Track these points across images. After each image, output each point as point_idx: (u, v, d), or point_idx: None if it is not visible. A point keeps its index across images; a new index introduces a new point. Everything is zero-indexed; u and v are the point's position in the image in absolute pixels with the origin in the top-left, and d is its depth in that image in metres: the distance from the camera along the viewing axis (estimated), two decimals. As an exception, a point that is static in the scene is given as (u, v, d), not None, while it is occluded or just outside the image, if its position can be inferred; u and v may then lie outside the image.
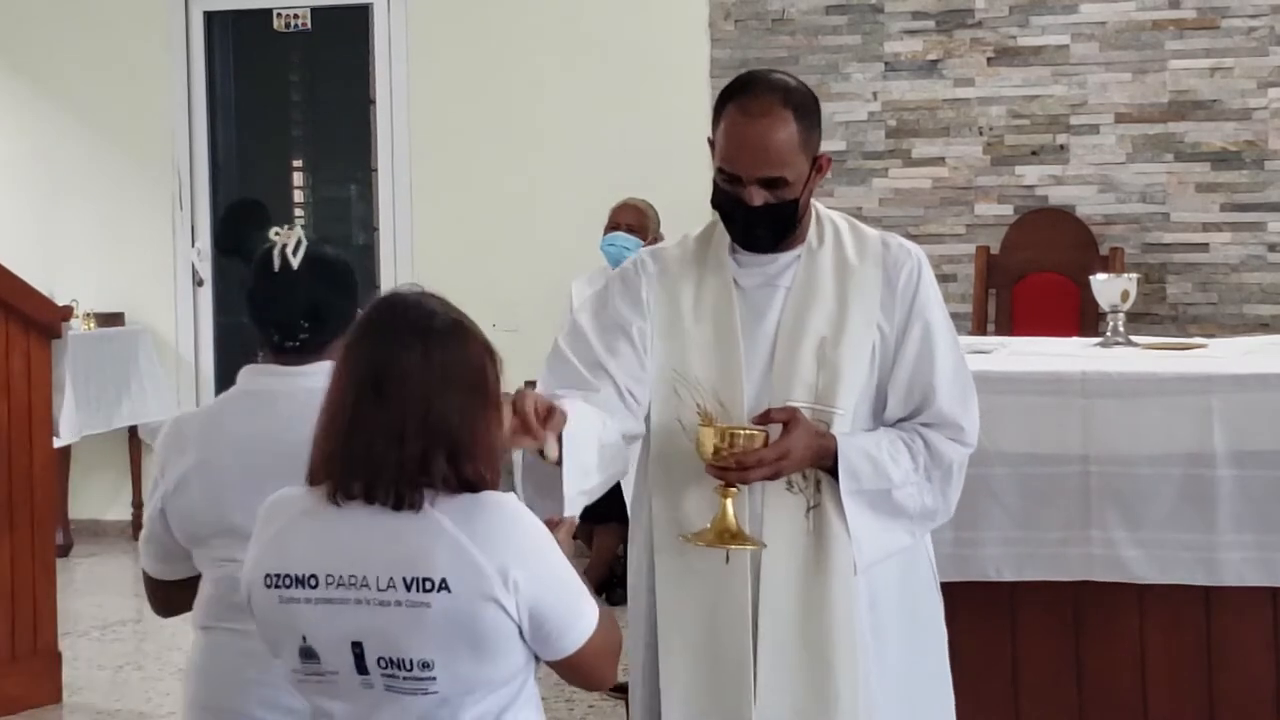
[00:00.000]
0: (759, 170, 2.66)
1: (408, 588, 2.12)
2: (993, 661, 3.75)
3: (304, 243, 2.71)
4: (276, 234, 2.72)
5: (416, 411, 2.14)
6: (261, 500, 2.57)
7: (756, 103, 2.67)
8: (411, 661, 2.13)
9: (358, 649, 2.15)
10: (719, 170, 2.71)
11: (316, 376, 2.65)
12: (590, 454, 2.57)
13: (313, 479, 2.21)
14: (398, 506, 2.14)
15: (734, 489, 2.59)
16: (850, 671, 2.68)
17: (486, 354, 2.22)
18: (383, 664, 2.14)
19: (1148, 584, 3.69)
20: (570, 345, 2.77)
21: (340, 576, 2.14)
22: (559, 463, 2.50)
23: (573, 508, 2.52)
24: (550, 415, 2.45)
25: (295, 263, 2.69)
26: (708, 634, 2.71)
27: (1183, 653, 3.70)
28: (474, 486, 2.17)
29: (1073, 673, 3.76)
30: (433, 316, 2.20)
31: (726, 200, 2.72)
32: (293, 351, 2.70)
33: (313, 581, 2.16)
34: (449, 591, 2.11)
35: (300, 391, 2.65)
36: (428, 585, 2.11)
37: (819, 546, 2.69)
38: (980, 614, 3.70)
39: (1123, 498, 3.67)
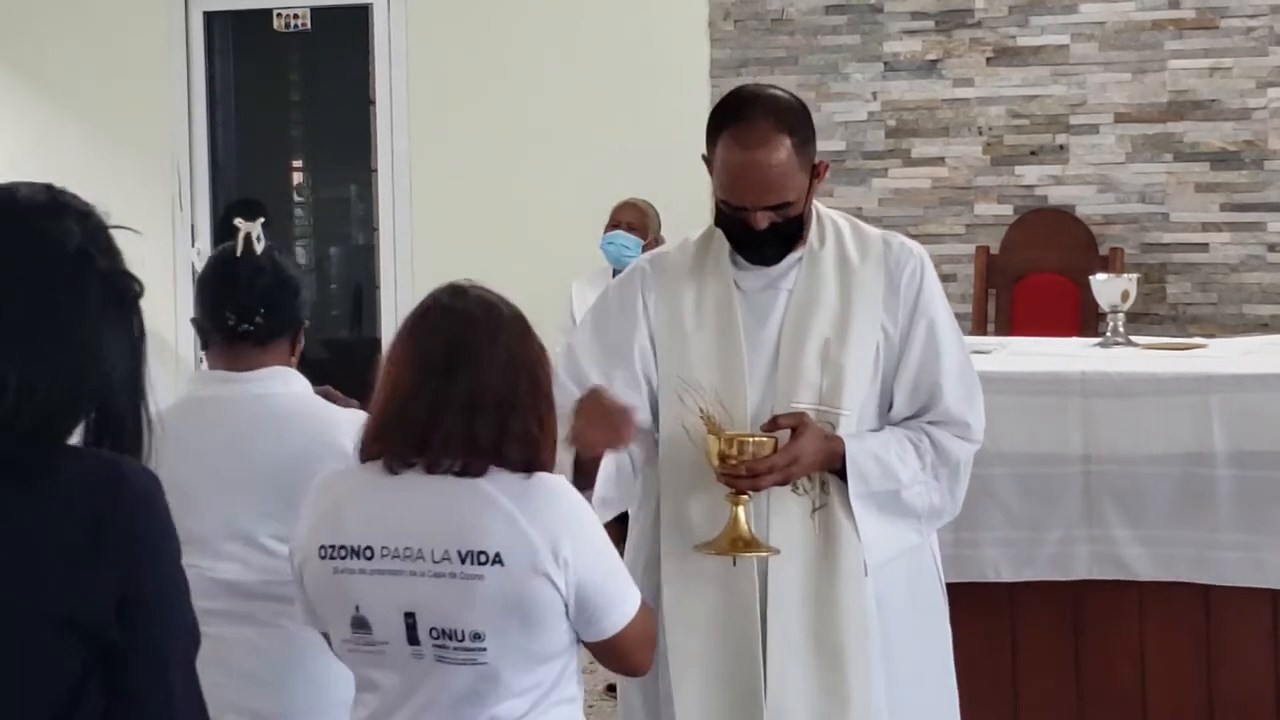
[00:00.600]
0: (763, 201, 2.67)
1: (462, 560, 2.18)
2: (993, 661, 3.76)
3: (262, 239, 2.74)
4: (239, 222, 2.74)
5: (487, 389, 2.21)
6: (223, 507, 2.58)
7: (751, 133, 2.65)
8: (463, 633, 2.18)
9: (410, 619, 2.20)
10: (723, 201, 2.71)
11: (264, 383, 2.69)
12: (609, 465, 2.64)
13: (366, 453, 2.26)
14: (462, 473, 2.20)
15: (745, 496, 2.60)
16: (863, 672, 2.68)
17: (542, 351, 2.30)
18: (434, 635, 2.19)
19: (1147, 583, 3.69)
20: (568, 373, 2.79)
21: (396, 548, 2.20)
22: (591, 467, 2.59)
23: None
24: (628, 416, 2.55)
25: (259, 249, 2.71)
26: (717, 637, 2.71)
27: (1182, 652, 3.70)
28: (530, 468, 2.23)
29: (1073, 672, 3.76)
30: (500, 305, 2.29)
31: (731, 224, 2.73)
32: (244, 338, 2.70)
33: (368, 553, 2.21)
34: (502, 565, 2.17)
35: (250, 398, 2.68)
36: (482, 558, 2.17)
37: (826, 548, 2.69)
38: (980, 613, 3.70)
39: (1122, 497, 3.67)
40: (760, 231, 2.69)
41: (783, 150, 2.64)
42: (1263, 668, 3.69)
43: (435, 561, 2.18)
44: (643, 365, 2.78)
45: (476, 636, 2.18)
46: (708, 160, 2.73)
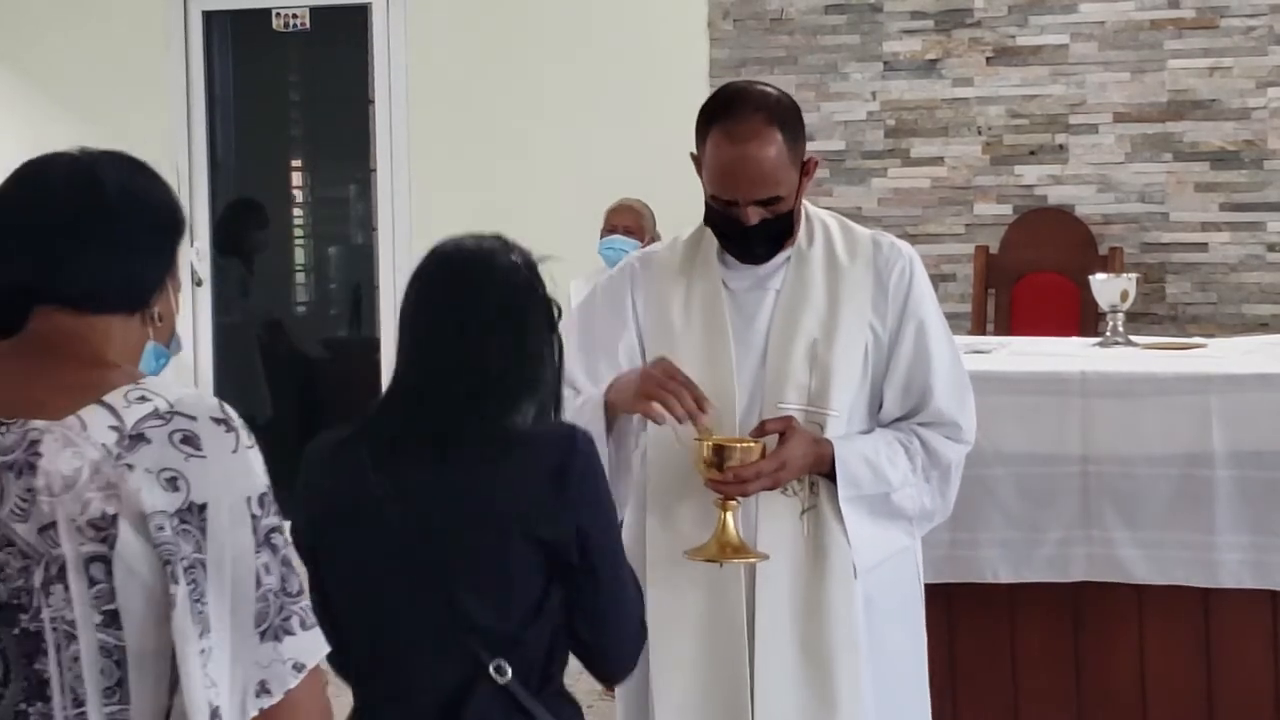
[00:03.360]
0: (754, 195, 2.65)
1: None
2: (993, 661, 3.75)
3: None
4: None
5: None
6: None
7: (741, 126, 2.63)
8: None
9: None
10: (713, 197, 2.70)
11: None
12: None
13: None
14: None
15: (734, 502, 2.57)
16: (851, 675, 2.66)
17: None
18: None
19: (1147, 584, 3.69)
20: None
21: None
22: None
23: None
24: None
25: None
26: (702, 642, 2.68)
27: (1182, 653, 3.70)
28: None
29: (1073, 673, 3.76)
30: None
31: (722, 221, 2.71)
32: None
33: None
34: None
35: None
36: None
37: (815, 550, 2.67)
38: (980, 614, 3.70)
39: (1120, 498, 3.66)
40: (750, 227, 2.67)
41: (773, 144, 2.63)
42: (1263, 668, 3.68)
43: None
44: (629, 363, 2.76)
45: None
46: (696, 159, 2.72)
